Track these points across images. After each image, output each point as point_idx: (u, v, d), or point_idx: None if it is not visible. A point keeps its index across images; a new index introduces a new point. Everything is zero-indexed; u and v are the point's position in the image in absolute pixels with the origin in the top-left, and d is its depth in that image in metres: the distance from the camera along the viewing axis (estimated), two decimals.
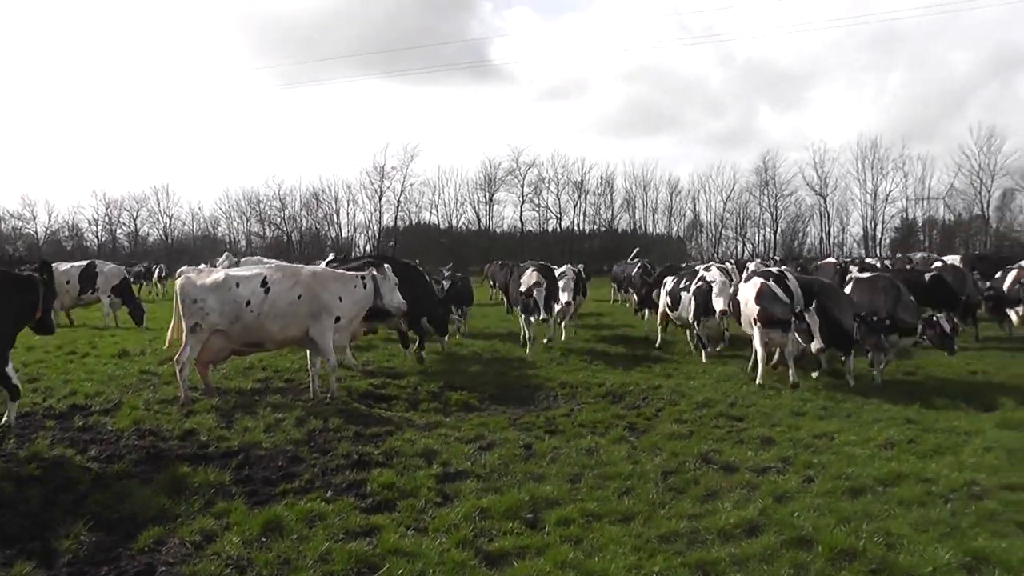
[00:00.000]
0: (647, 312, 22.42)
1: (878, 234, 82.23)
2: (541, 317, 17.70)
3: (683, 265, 24.73)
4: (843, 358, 14.38)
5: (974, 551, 6.50)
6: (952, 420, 11.35)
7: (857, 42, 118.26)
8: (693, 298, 17.23)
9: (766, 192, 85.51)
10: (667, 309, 18.75)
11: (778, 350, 14.93)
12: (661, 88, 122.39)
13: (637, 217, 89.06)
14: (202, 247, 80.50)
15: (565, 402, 13.00)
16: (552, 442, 9.98)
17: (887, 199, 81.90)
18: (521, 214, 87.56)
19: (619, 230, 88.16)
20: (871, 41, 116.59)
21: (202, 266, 15.01)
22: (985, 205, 78.23)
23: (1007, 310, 20.51)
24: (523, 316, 19.24)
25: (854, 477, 8.47)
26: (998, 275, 23.26)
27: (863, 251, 76.86)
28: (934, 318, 14.88)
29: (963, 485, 8.20)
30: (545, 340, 20.01)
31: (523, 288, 18.28)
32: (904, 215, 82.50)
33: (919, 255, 41.05)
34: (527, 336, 19.08)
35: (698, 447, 9.69)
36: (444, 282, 22.38)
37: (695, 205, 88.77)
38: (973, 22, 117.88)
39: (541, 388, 14.09)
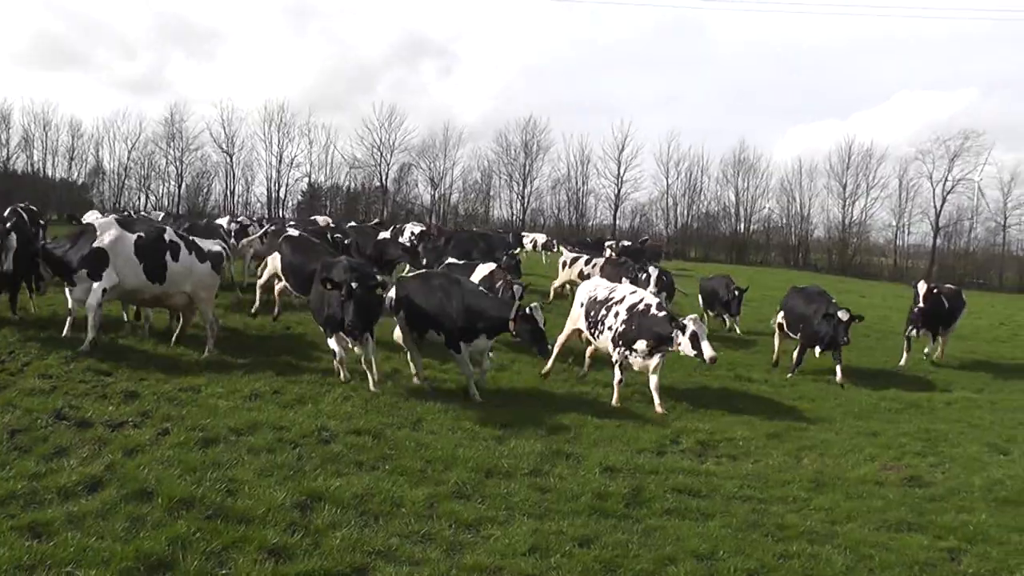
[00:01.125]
0: None
1: (282, 196, 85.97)
2: None
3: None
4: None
5: (311, 491, 7.10)
6: (308, 371, 12.25)
7: (274, 8, 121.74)
8: None
9: (173, 145, 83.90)
10: None
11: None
12: (68, 22, 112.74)
13: (36, 159, 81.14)
14: None
15: None
16: None
17: (292, 163, 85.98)
18: None
19: (17, 171, 79.37)
20: (288, 9, 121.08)
21: None
22: (384, 177, 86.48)
23: None
24: None
25: (210, 428, 8.70)
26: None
27: (267, 212, 79.56)
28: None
29: (314, 431, 8.92)
30: None
31: None
32: (309, 179, 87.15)
33: (322, 219, 43.81)
34: None
35: (56, 403, 9.17)
36: None
37: (98, 151, 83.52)
38: (386, 7, 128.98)
39: None
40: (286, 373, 11.90)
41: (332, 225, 30.27)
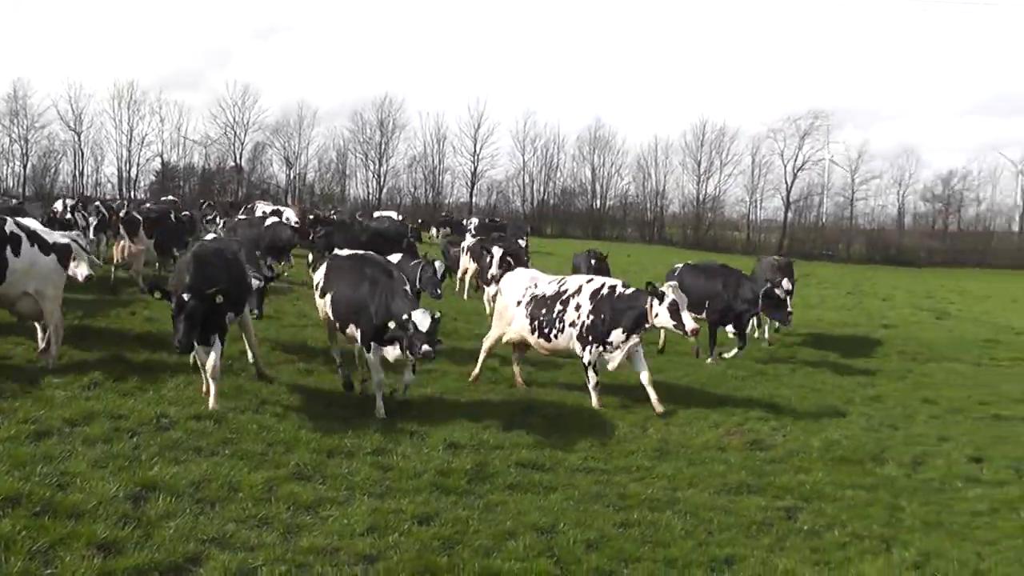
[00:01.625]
0: None
1: (134, 176, 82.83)
2: None
3: None
4: None
5: (146, 480, 6.95)
6: (152, 356, 11.87)
7: None
8: None
9: (17, 123, 79.54)
10: None
11: None
12: None
13: None
14: None
15: None
16: None
17: (143, 142, 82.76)
18: None
19: None
20: None
21: None
22: (239, 156, 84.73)
23: None
24: None
25: (44, 420, 8.36)
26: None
27: (118, 193, 76.73)
28: None
29: (153, 418, 8.71)
30: None
31: None
32: (162, 159, 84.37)
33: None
34: None
35: None
36: None
37: None
38: None
39: None
40: (129, 360, 11.46)
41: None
